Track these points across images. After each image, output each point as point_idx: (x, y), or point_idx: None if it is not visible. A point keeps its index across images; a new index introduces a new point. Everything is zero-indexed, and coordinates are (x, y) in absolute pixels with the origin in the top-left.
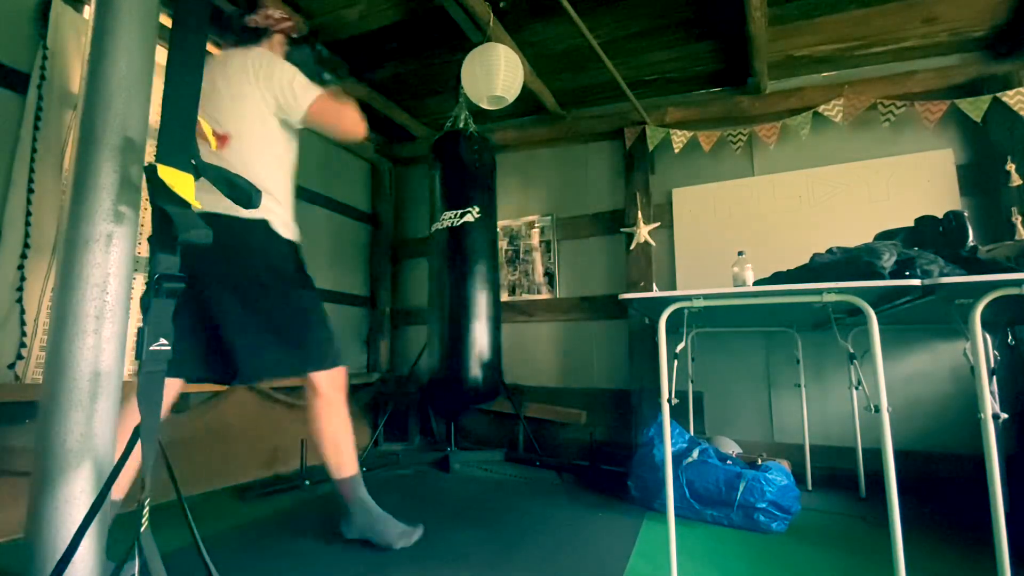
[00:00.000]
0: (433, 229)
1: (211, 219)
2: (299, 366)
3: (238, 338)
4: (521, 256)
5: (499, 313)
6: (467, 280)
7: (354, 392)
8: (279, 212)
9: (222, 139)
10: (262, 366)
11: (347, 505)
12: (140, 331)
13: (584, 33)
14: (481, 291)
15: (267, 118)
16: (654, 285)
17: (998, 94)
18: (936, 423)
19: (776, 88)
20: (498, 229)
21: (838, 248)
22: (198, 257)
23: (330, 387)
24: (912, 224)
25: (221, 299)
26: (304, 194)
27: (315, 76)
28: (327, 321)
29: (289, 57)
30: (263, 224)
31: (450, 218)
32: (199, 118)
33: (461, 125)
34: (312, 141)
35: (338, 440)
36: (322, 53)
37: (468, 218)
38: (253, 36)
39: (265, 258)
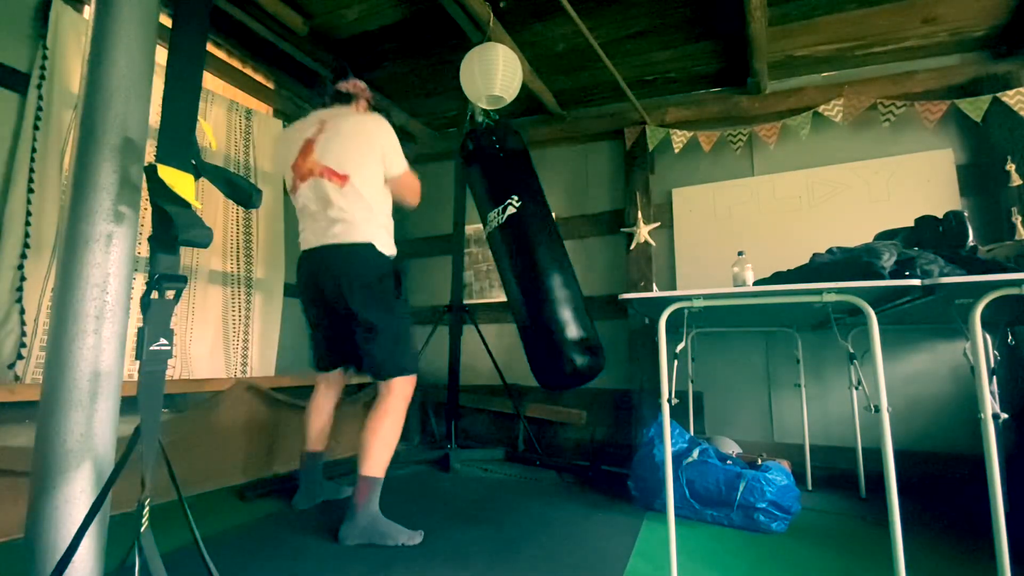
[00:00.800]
0: (487, 232)
1: (336, 249)
2: (388, 370)
3: (336, 343)
4: None
5: (577, 290)
6: (534, 269)
7: (355, 392)
8: (385, 237)
9: (343, 178)
10: (368, 367)
11: (355, 507)
12: (140, 331)
13: (584, 33)
14: (553, 276)
15: (377, 166)
16: (654, 285)
17: (998, 94)
18: (936, 423)
19: (776, 88)
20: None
21: (838, 248)
22: (328, 282)
23: (401, 390)
24: (912, 224)
25: (348, 313)
26: None
27: None
28: (412, 332)
29: None
30: (370, 247)
31: (495, 217)
32: (306, 160)
33: (479, 119)
34: None
35: (385, 439)
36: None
37: (511, 210)
38: (345, 99)
39: (376, 272)
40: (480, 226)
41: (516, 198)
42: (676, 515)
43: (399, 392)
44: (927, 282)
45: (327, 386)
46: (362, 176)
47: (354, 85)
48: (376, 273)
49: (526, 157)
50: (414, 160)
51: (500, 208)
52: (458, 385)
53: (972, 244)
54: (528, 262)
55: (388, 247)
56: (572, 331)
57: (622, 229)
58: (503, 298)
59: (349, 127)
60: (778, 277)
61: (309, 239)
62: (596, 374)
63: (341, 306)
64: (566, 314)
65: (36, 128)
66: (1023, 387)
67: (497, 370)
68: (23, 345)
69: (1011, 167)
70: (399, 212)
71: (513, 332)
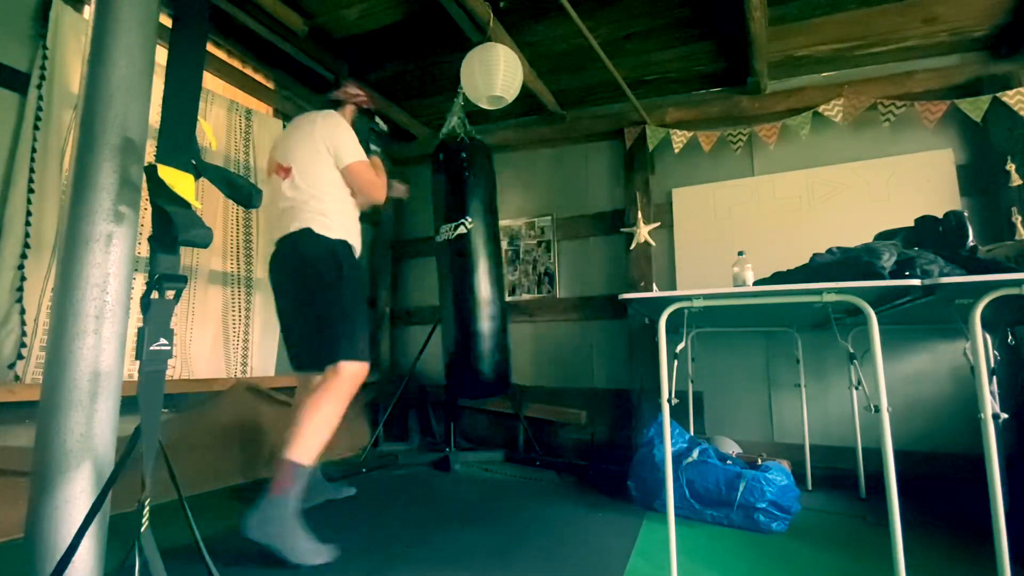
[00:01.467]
0: (437, 240)
1: (283, 240)
2: (332, 353)
3: (292, 334)
4: (521, 256)
5: (505, 314)
6: (470, 288)
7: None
8: (323, 220)
9: (286, 171)
10: (305, 359)
11: (268, 497)
12: (140, 331)
13: (584, 33)
14: (485, 294)
15: (324, 159)
16: (654, 285)
17: (998, 94)
18: (936, 423)
19: (776, 88)
20: (500, 227)
21: (838, 248)
22: (279, 274)
23: (348, 375)
24: (912, 224)
25: (285, 303)
26: None
27: (364, 143)
28: (361, 320)
29: (353, 123)
30: (307, 231)
31: (446, 232)
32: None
33: (456, 129)
34: None
35: (320, 424)
36: (377, 127)
37: (462, 230)
38: (334, 104)
39: (311, 255)
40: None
41: (469, 220)
42: (676, 515)
43: (346, 376)
44: (927, 282)
45: (302, 390)
46: (304, 168)
47: (344, 92)
48: (311, 256)
49: (491, 179)
50: (414, 160)
51: (453, 225)
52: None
53: (972, 244)
54: (468, 282)
55: (329, 230)
56: (486, 349)
57: (622, 229)
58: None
59: (303, 123)
60: (778, 277)
61: (271, 236)
62: (498, 393)
63: (290, 297)
64: (487, 330)
65: (36, 128)
66: (1023, 387)
67: None
68: (23, 345)
69: (1011, 167)
70: (400, 212)
71: (513, 332)
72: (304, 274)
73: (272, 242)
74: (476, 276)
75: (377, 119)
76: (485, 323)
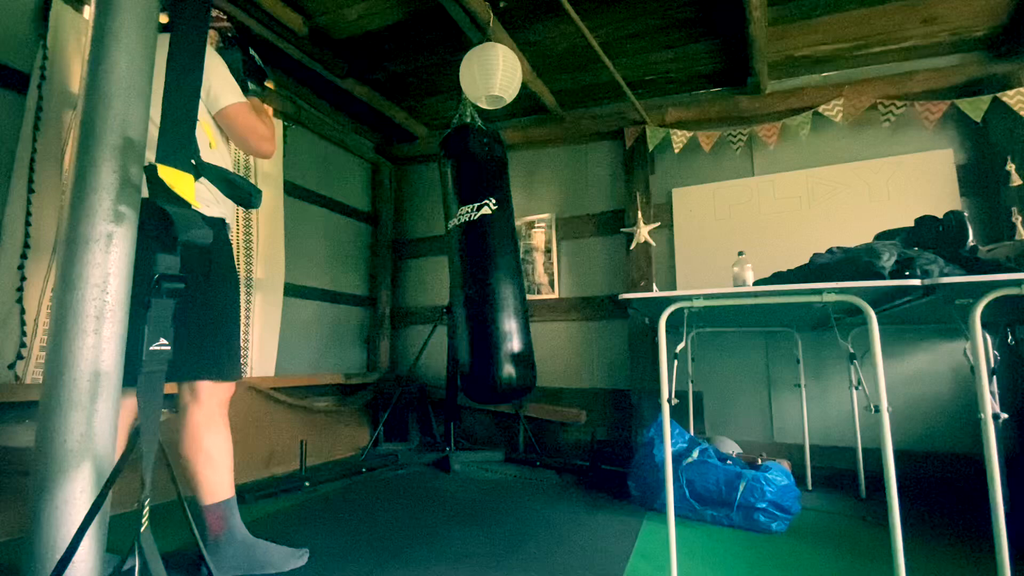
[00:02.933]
0: (450, 226)
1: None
2: (191, 371)
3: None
4: (521, 256)
5: (525, 305)
6: (491, 274)
7: (354, 392)
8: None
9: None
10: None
11: (214, 537)
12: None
13: (584, 33)
14: (506, 284)
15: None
16: (654, 285)
17: (998, 94)
18: (936, 423)
19: (776, 88)
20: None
21: (838, 248)
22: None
23: (211, 399)
24: (912, 224)
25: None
26: (303, 193)
27: (240, 81)
28: (236, 325)
29: (220, 54)
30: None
31: (467, 212)
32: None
33: (468, 120)
34: (311, 140)
35: (215, 458)
36: (254, 60)
37: (485, 211)
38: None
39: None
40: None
41: (494, 201)
42: (676, 515)
43: (208, 400)
44: (927, 282)
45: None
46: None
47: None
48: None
49: (506, 167)
50: (414, 160)
51: (476, 206)
52: (457, 385)
53: (972, 244)
54: (490, 265)
55: (207, 206)
56: (514, 345)
57: (622, 229)
58: None
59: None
60: (778, 277)
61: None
62: (527, 391)
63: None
64: (510, 325)
65: (36, 128)
66: (1023, 387)
67: None
68: (23, 345)
69: (1011, 167)
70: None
71: None
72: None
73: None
74: (499, 260)
75: (252, 51)
76: (509, 312)
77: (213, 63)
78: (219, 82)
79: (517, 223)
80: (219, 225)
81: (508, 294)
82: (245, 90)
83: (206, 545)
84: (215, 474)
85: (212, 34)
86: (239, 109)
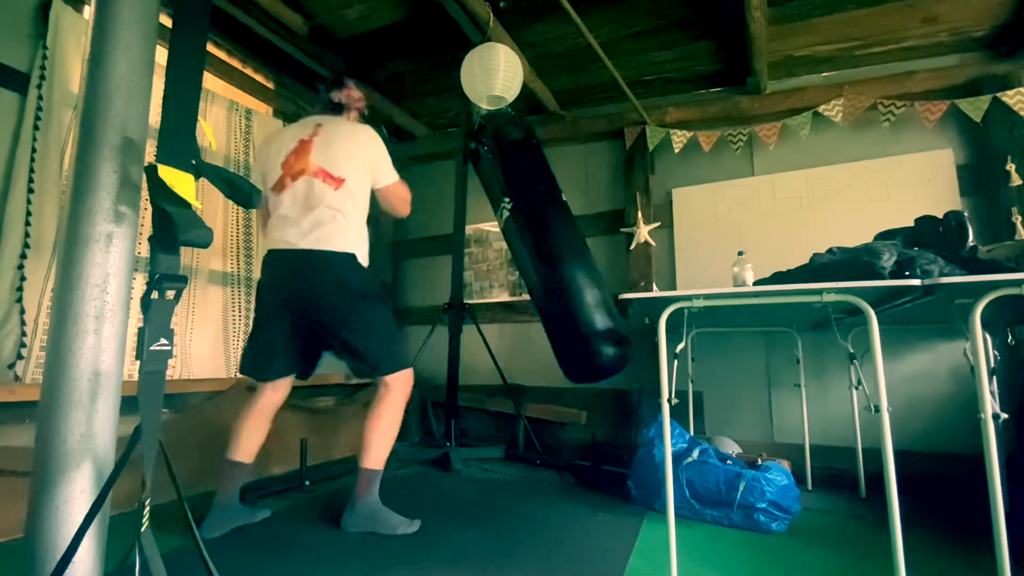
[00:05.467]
0: (503, 219)
1: (314, 255)
2: (387, 366)
3: (340, 350)
4: None
5: (601, 278)
6: (569, 247)
7: (355, 392)
8: (362, 251)
9: (339, 181)
10: (359, 370)
11: (356, 497)
12: (140, 331)
13: (584, 33)
14: (579, 262)
15: (366, 176)
16: (654, 285)
17: (998, 94)
18: (936, 423)
19: (776, 88)
20: (495, 229)
21: (838, 248)
22: (304, 287)
23: (398, 385)
24: (912, 224)
25: (321, 320)
26: None
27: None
28: (398, 330)
29: None
30: (353, 257)
31: (505, 207)
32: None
33: (483, 112)
34: None
35: (385, 433)
36: (383, 131)
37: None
38: (337, 108)
39: (353, 284)
40: (479, 226)
41: (543, 187)
42: (676, 515)
43: (398, 387)
44: (927, 282)
45: (273, 393)
46: (354, 182)
47: (347, 95)
48: (359, 283)
49: (541, 148)
50: (414, 160)
51: (540, 189)
52: (457, 384)
53: (972, 244)
54: (553, 242)
55: (366, 259)
56: (599, 321)
57: (622, 229)
58: (503, 298)
59: (344, 134)
60: (778, 277)
61: (288, 239)
62: (623, 366)
63: (316, 310)
64: (591, 298)
65: (36, 128)
66: (1023, 387)
67: (498, 369)
68: (23, 345)
69: (1011, 167)
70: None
71: (513, 332)
72: (353, 294)
73: (291, 247)
74: (563, 239)
75: (382, 125)
76: (586, 283)
77: (384, 148)
78: (387, 163)
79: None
80: (370, 274)
81: (582, 275)
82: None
83: (349, 503)
84: (381, 447)
85: (354, 115)
86: (398, 187)
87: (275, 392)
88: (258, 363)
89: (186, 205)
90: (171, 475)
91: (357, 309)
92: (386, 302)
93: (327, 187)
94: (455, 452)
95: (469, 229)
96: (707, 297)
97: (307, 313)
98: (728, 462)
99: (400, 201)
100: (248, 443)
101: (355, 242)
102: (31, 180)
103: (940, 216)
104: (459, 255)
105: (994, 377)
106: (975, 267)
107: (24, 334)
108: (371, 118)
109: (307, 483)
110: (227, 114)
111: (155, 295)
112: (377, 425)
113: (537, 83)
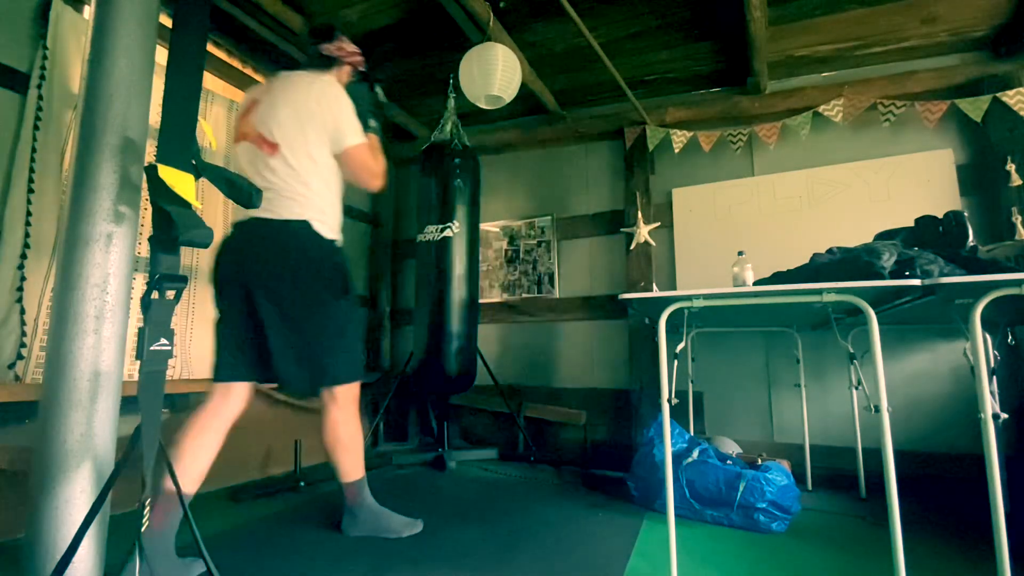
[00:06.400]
0: (418, 239)
1: (257, 224)
2: (324, 381)
3: (276, 348)
4: (521, 256)
5: (476, 315)
6: (447, 288)
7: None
8: (322, 217)
9: (272, 146)
10: (293, 378)
11: (350, 506)
12: (140, 331)
13: (584, 33)
14: (458, 297)
15: (319, 137)
16: (654, 285)
17: (998, 94)
18: (936, 423)
19: (776, 88)
20: (495, 229)
21: (838, 248)
22: (245, 262)
23: (346, 398)
24: (912, 224)
25: (264, 305)
26: None
27: (363, 116)
28: (359, 333)
29: (349, 89)
30: (304, 224)
31: (431, 232)
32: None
33: (451, 134)
34: None
35: (349, 446)
36: (377, 95)
37: (448, 233)
38: (325, 63)
39: (304, 256)
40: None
41: (456, 224)
42: (676, 515)
43: (344, 401)
44: (927, 282)
45: (225, 401)
46: (295, 147)
47: (338, 48)
48: (313, 257)
49: (478, 187)
50: (414, 160)
51: (440, 228)
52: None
53: (972, 244)
54: (446, 281)
55: (330, 230)
56: (455, 347)
57: (622, 229)
58: (502, 299)
59: (297, 92)
60: (778, 277)
61: (235, 215)
62: (463, 389)
63: (263, 295)
64: (457, 329)
65: (36, 128)
66: (1023, 387)
67: (488, 371)
68: (23, 345)
69: (1011, 167)
70: (400, 212)
71: (513, 332)
72: (296, 276)
73: (237, 219)
74: (454, 277)
75: (377, 87)
76: (456, 323)
77: (343, 103)
78: (346, 123)
79: (517, 223)
80: (333, 247)
81: (461, 302)
82: (365, 126)
83: (346, 510)
84: (350, 459)
85: (347, 70)
86: (359, 150)
87: (224, 399)
88: (217, 361)
89: (186, 205)
90: (171, 475)
91: (302, 296)
92: (347, 294)
93: (262, 154)
94: (448, 452)
95: None
96: (707, 297)
97: (250, 297)
98: (728, 462)
99: (362, 169)
100: (192, 467)
101: (301, 211)
102: (31, 180)
103: (940, 216)
104: None
105: (994, 377)
106: (975, 267)
107: (24, 334)
108: (366, 75)
109: (302, 484)
110: (227, 114)
111: (155, 295)
112: (339, 447)
113: (537, 83)
